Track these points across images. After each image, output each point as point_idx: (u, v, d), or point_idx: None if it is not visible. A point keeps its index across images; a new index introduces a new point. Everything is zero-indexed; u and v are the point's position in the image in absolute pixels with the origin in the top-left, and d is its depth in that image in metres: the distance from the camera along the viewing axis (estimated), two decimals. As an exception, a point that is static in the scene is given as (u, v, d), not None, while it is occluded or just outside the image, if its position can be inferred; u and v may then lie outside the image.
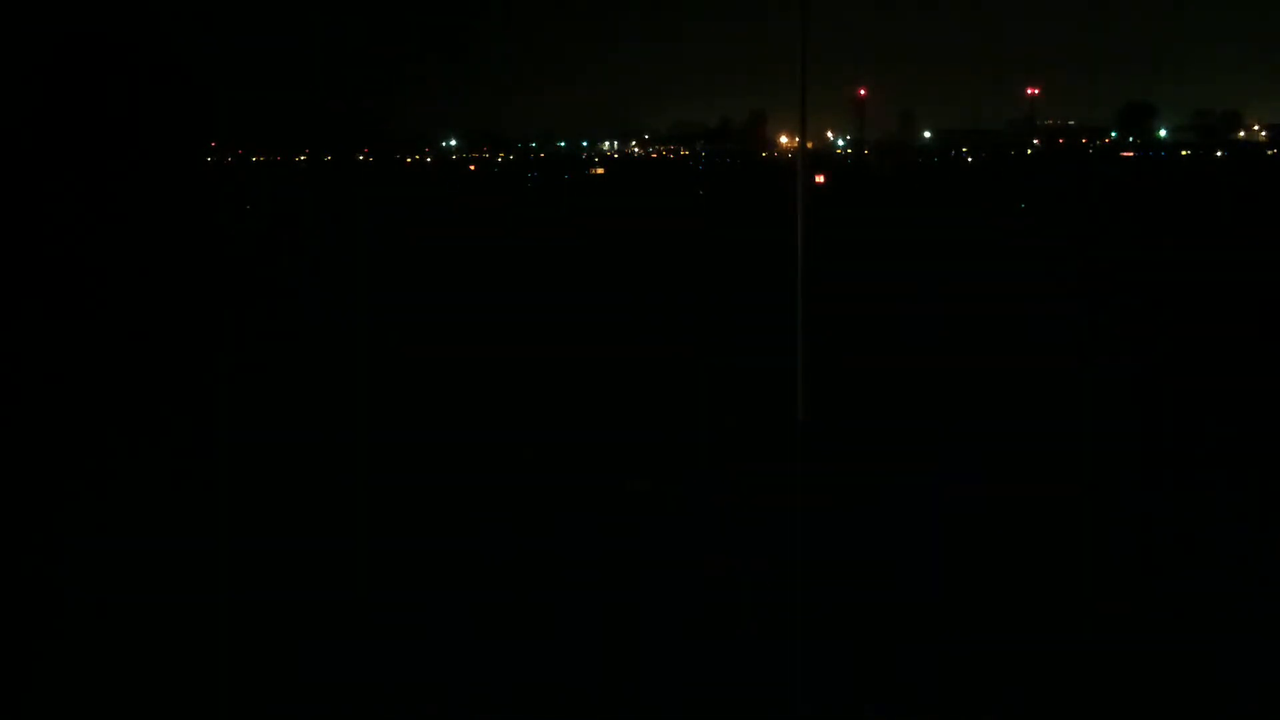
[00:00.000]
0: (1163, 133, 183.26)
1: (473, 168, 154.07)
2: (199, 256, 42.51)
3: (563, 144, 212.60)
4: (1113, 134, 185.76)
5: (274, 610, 11.92)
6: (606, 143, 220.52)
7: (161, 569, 12.91)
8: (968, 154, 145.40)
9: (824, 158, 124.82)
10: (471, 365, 23.99)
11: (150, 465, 17.17)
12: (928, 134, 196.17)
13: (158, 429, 18.95)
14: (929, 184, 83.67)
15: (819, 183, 62.81)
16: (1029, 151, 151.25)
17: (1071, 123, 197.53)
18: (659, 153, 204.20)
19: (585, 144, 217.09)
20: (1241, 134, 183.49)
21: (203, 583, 12.66)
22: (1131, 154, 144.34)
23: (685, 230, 51.52)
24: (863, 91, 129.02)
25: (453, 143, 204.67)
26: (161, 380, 22.41)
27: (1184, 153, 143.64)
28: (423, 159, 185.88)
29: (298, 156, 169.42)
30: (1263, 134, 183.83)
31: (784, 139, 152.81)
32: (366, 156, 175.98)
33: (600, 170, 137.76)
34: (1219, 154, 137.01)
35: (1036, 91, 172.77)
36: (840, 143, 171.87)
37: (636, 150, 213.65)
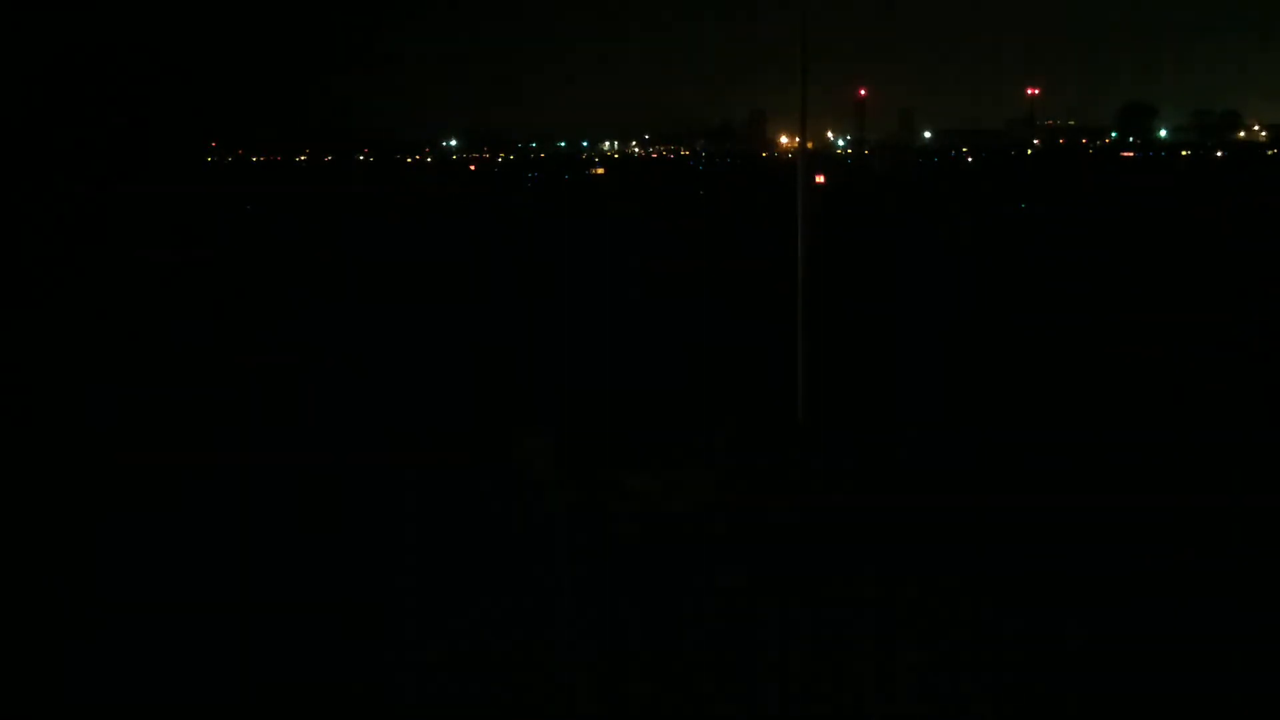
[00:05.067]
0: (1163, 133, 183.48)
1: (473, 168, 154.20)
2: (195, 252, 42.61)
3: (563, 144, 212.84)
4: (1113, 134, 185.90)
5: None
6: (606, 143, 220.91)
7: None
8: (968, 154, 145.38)
9: (824, 158, 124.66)
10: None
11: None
12: (928, 134, 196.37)
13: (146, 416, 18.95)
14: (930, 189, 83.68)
15: (819, 182, 62.77)
16: (1029, 151, 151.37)
17: (1071, 123, 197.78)
18: (659, 153, 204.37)
19: (585, 144, 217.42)
20: (1241, 134, 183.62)
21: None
22: (1131, 154, 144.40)
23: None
24: (863, 91, 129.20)
25: (453, 143, 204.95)
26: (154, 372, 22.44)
27: (1184, 153, 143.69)
28: (423, 159, 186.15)
29: (298, 156, 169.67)
30: (1263, 134, 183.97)
31: (784, 139, 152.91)
32: (367, 157, 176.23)
33: (600, 170, 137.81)
34: (1219, 154, 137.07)
35: (1036, 91, 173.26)
36: (840, 143, 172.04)
37: (636, 150, 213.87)
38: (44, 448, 17.40)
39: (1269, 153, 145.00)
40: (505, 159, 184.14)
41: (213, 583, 12.51)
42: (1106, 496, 15.02)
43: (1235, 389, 20.12)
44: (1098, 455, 16.73)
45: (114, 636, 11.32)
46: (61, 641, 11.34)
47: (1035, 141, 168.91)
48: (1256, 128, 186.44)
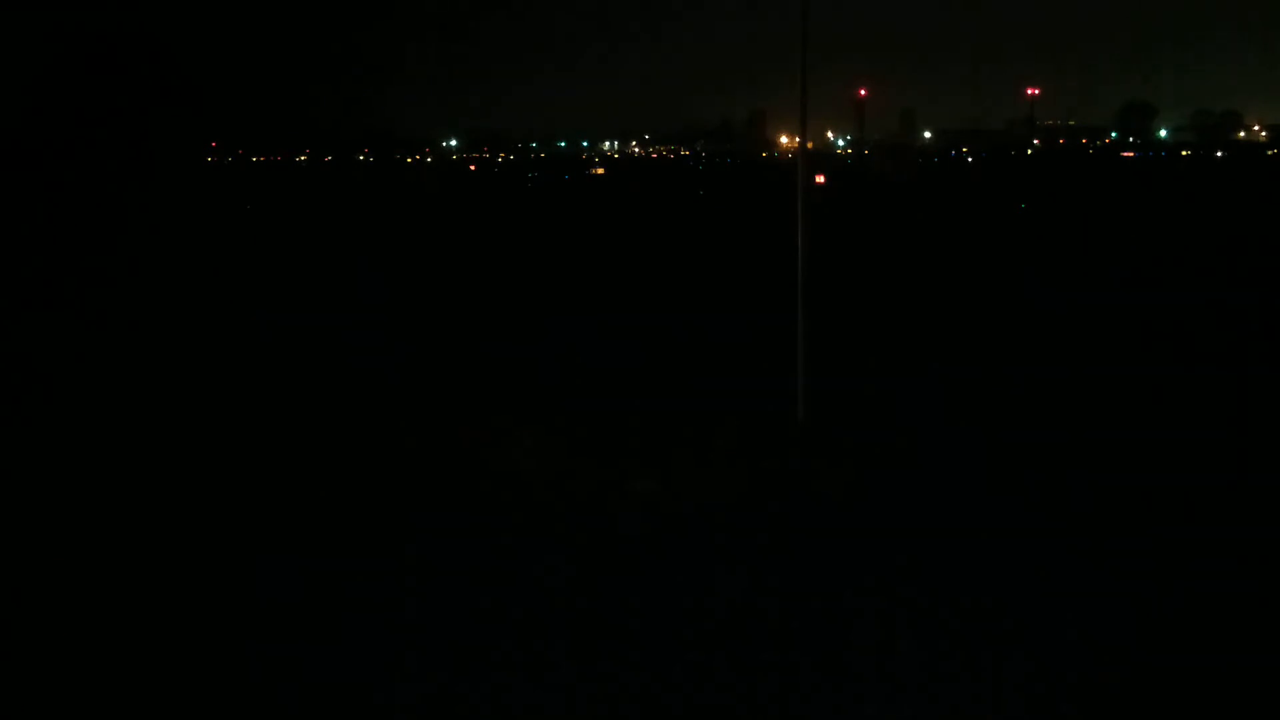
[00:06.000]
0: (1163, 133, 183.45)
1: (473, 168, 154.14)
2: (195, 253, 42.64)
3: (563, 144, 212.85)
4: (1113, 134, 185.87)
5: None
6: (606, 143, 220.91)
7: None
8: (968, 154, 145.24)
9: (824, 158, 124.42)
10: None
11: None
12: (928, 134, 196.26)
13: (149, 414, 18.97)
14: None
15: (819, 182, 62.65)
16: (1029, 151, 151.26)
17: (1072, 123, 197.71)
18: (659, 153, 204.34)
19: (585, 144, 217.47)
20: (1241, 134, 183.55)
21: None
22: (1131, 154, 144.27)
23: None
24: (863, 91, 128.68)
25: (453, 143, 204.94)
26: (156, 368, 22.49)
27: (1184, 153, 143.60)
28: (423, 159, 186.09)
29: (298, 156, 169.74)
30: (1263, 134, 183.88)
31: (784, 139, 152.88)
32: (367, 157, 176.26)
33: (600, 170, 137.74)
34: (1219, 154, 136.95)
35: (1036, 92, 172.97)
36: (840, 143, 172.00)
37: (636, 150, 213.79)
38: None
39: (1269, 153, 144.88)
40: (505, 159, 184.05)
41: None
42: (1097, 489, 15.04)
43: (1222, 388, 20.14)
44: (1088, 452, 16.74)
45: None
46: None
47: (1035, 141, 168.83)
48: (1256, 128, 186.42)
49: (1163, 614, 11.68)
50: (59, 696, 10.51)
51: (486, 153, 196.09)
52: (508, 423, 18.64)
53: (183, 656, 11.13)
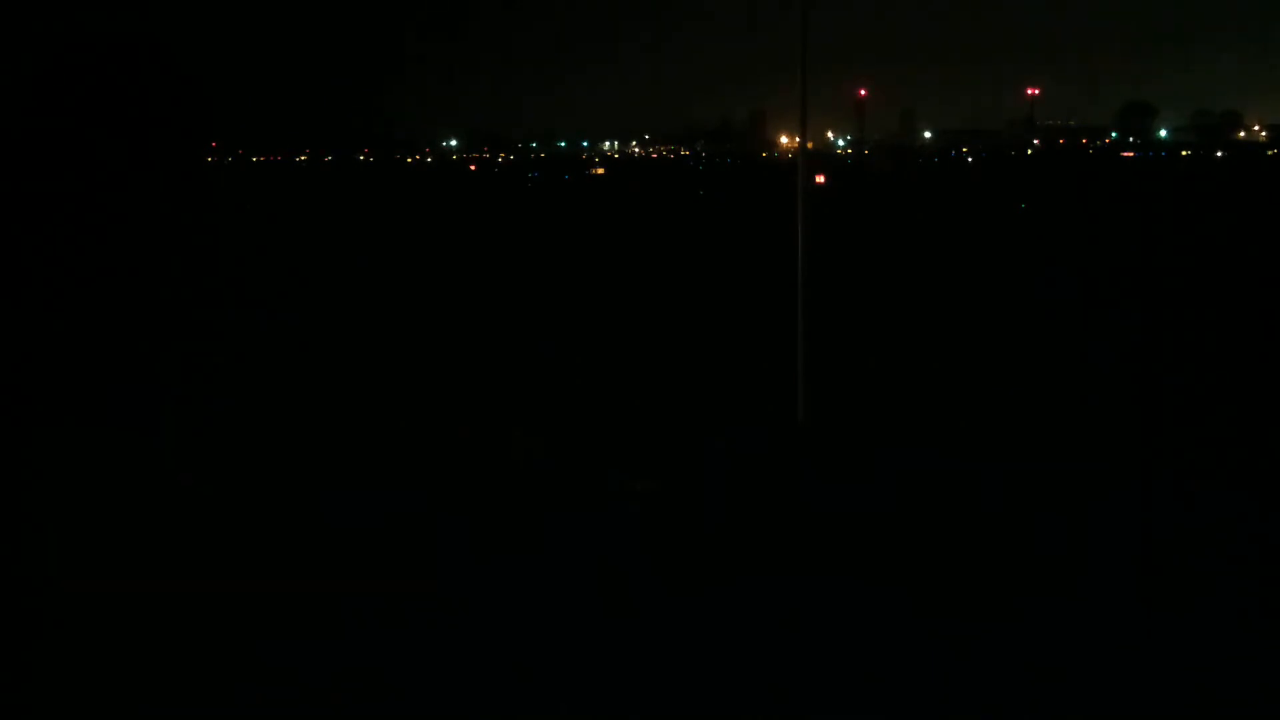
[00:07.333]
0: (1163, 133, 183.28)
1: (473, 168, 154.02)
2: (195, 254, 42.61)
3: (563, 144, 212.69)
4: (1113, 134, 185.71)
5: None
6: (607, 143, 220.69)
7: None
8: (968, 154, 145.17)
9: (824, 158, 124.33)
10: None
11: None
12: (928, 134, 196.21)
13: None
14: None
15: (819, 182, 62.48)
16: (1029, 152, 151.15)
17: (1072, 123, 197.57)
18: (659, 153, 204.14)
19: (585, 144, 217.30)
20: (1241, 134, 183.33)
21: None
22: (1131, 154, 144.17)
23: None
24: (863, 91, 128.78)
25: (453, 143, 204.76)
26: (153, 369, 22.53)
27: (1184, 153, 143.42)
28: (423, 159, 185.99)
29: (298, 156, 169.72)
30: (1263, 134, 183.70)
31: (784, 139, 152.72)
32: (367, 157, 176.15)
33: (600, 170, 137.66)
34: (1219, 154, 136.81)
35: (1036, 91, 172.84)
36: (840, 143, 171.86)
37: (636, 150, 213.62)
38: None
39: (1269, 153, 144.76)
40: (505, 159, 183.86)
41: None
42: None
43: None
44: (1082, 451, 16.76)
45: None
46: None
47: (1035, 141, 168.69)
48: (1256, 128, 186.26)
49: None
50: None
51: (486, 153, 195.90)
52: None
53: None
